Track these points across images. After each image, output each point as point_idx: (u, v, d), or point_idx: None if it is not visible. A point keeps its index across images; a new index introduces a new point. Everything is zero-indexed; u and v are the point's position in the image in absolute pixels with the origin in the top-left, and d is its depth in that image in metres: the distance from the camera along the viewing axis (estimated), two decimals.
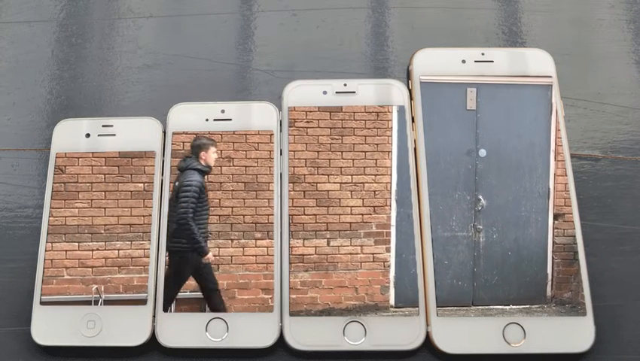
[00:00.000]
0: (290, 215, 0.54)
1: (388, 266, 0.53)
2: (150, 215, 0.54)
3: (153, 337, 0.51)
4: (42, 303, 0.52)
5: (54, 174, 0.55)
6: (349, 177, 0.55)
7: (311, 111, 0.56)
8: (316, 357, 0.51)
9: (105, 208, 0.54)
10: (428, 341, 0.51)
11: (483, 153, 0.55)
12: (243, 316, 0.51)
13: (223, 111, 0.57)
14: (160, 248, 0.53)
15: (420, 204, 0.54)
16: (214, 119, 0.57)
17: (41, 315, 0.52)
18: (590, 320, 0.51)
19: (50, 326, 0.51)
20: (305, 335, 0.51)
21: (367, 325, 0.51)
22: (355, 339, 0.51)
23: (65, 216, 0.54)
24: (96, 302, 0.52)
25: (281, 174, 0.55)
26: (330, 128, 0.56)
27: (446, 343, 0.51)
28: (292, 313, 0.52)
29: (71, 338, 0.51)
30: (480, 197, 0.54)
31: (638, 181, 0.58)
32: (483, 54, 0.58)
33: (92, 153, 0.56)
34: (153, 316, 0.52)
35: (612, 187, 0.57)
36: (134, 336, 0.51)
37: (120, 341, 0.51)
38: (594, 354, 0.51)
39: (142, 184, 0.55)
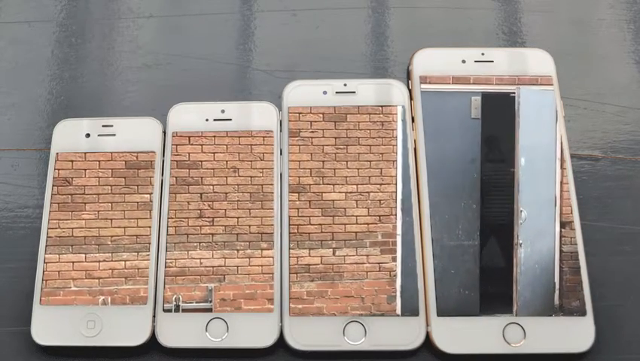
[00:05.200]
0: (296, 225, 0.54)
1: (395, 276, 0.53)
2: (151, 215, 0.54)
3: (153, 337, 0.51)
4: (42, 303, 0.52)
5: (53, 184, 0.55)
6: (354, 186, 0.55)
7: (316, 121, 0.56)
8: (316, 357, 0.51)
9: (110, 219, 0.54)
10: (428, 341, 0.51)
11: (522, 162, 0.55)
12: (243, 316, 0.51)
13: (223, 111, 0.57)
14: (160, 248, 0.53)
15: (420, 204, 0.54)
16: (214, 119, 0.57)
17: (41, 315, 0.52)
18: (590, 320, 0.51)
19: (50, 326, 0.51)
20: (305, 335, 0.51)
21: (367, 325, 0.51)
22: (355, 339, 0.51)
23: (72, 227, 0.54)
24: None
25: (281, 174, 0.55)
26: (335, 137, 0.56)
27: (446, 343, 0.51)
28: (292, 314, 0.52)
29: (71, 338, 0.51)
30: (522, 208, 0.54)
31: (638, 181, 0.58)
32: (483, 54, 0.58)
33: (93, 155, 0.56)
34: (153, 316, 0.52)
35: (612, 187, 0.57)
36: (134, 336, 0.51)
37: (120, 341, 0.51)
38: (594, 354, 0.51)
39: (147, 195, 0.55)
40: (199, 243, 0.53)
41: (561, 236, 0.53)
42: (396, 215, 0.54)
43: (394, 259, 0.53)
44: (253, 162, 0.55)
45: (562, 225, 0.54)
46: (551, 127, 0.56)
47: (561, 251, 0.53)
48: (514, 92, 0.57)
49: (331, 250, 0.53)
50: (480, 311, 0.52)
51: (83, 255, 0.53)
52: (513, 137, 0.56)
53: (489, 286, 0.52)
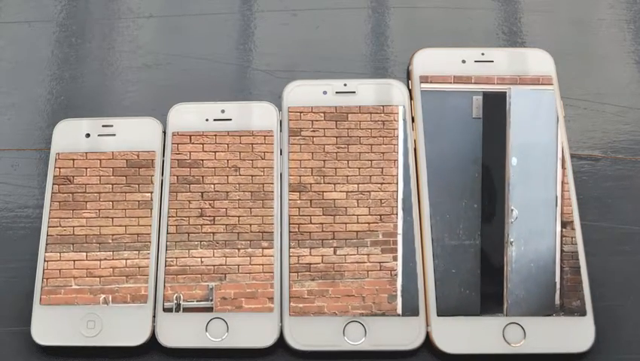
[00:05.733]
0: (297, 224, 0.54)
1: (395, 275, 0.53)
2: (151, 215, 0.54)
3: (153, 337, 0.51)
4: (42, 303, 0.52)
5: (53, 183, 0.55)
6: (356, 185, 0.55)
7: (317, 120, 0.56)
8: (316, 357, 0.51)
9: (111, 218, 0.54)
10: (428, 341, 0.51)
11: (514, 161, 0.55)
12: (243, 316, 0.51)
13: (223, 111, 0.57)
14: (160, 247, 0.53)
15: (420, 203, 0.54)
16: (214, 119, 0.57)
17: (41, 315, 0.52)
18: (590, 320, 0.51)
19: (50, 326, 0.51)
20: (305, 335, 0.51)
21: (367, 325, 0.51)
22: (355, 339, 0.51)
23: (73, 226, 0.54)
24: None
25: (281, 174, 0.55)
26: (337, 137, 0.56)
27: (446, 343, 0.51)
28: (292, 313, 0.52)
29: (71, 338, 0.51)
30: (513, 208, 0.54)
31: (638, 181, 0.58)
32: (483, 54, 0.58)
33: (93, 155, 0.56)
34: (153, 316, 0.52)
35: (612, 187, 0.57)
36: (134, 336, 0.51)
37: (120, 341, 0.51)
38: (594, 354, 0.51)
39: (148, 194, 0.55)
40: (200, 242, 0.53)
41: (562, 236, 0.53)
42: (397, 214, 0.54)
43: (395, 259, 0.53)
44: (254, 160, 0.55)
45: (562, 225, 0.54)
46: (548, 127, 0.56)
47: (562, 251, 0.53)
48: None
49: (332, 249, 0.53)
50: (480, 311, 0.52)
51: (84, 253, 0.53)
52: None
53: (490, 286, 0.52)
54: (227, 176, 0.55)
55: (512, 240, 0.53)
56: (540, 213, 0.54)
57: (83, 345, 0.51)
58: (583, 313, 0.51)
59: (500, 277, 0.52)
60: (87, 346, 0.51)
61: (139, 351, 0.51)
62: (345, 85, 0.58)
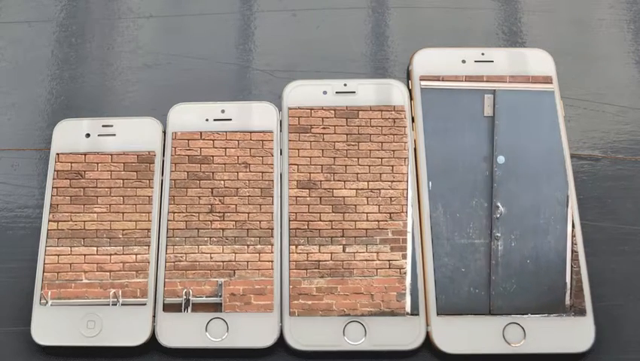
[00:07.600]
0: (306, 221, 0.54)
1: (404, 273, 0.53)
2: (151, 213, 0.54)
3: (153, 337, 0.51)
4: (42, 303, 0.52)
5: (53, 178, 0.55)
6: (365, 183, 0.55)
7: (327, 117, 0.56)
8: (316, 357, 0.51)
9: (121, 213, 0.54)
10: (428, 341, 0.51)
11: (501, 159, 0.55)
12: (243, 316, 0.51)
13: (223, 111, 0.57)
14: (159, 248, 0.53)
15: (420, 203, 0.54)
16: (214, 119, 0.57)
17: (41, 315, 0.52)
18: (590, 320, 0.51)
19: (50, 326, 0.51)
20: (305, 335, 0.51)
21: (367, 325, 0.51)
22: (355, 339, 0.51)
23: (84, 220, 0.54)
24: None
25: (281, 174, 0.55)
26: (347, 134, 0.56)
27: (446, 343, 0.51)
28: (292, 313, 0.52)
29: (71, 338, 0.51)
30: (499, 204, 0.54)
31: (638, 181, 0.58)
32: (483, 54, 0.58)
33: (93, 155, 0.56)
34: (153, 316, 0.52)
35: (612, 187, 0.57)
36: (134, 336, 0.51)
37: (120, 341, 0.51)
38: (594, 354, 0.51)
39: (149, 190, 0.55)
40: (210, 238, 0.53)
41: (573, 235, 0.53)
42: (407, 212, 0.54)
43: (404, 257, 0.53)
44: (257, 158, 0.55)
45: (574, 224, 0.53)
46: (545, 126, 0.56)
47: (572, 251, 0.53)
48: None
49: (341, 246, 0.53)
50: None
51: (95, 248, 0.53)
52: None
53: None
54: (237, 172, 0.55)
55: (498, 235, 0.53)
56: (538, 211, 0.54)
57: (83, 345, 0.51)
58: (583, 313, 0.51)
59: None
60: (87, 346, 0.51)
61: (139, 351, 0.51)
62: (345, 85, 0.58)
